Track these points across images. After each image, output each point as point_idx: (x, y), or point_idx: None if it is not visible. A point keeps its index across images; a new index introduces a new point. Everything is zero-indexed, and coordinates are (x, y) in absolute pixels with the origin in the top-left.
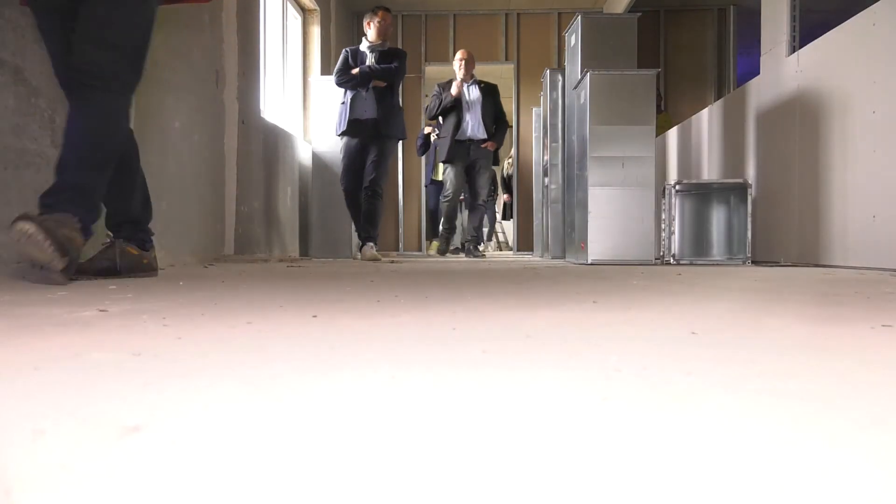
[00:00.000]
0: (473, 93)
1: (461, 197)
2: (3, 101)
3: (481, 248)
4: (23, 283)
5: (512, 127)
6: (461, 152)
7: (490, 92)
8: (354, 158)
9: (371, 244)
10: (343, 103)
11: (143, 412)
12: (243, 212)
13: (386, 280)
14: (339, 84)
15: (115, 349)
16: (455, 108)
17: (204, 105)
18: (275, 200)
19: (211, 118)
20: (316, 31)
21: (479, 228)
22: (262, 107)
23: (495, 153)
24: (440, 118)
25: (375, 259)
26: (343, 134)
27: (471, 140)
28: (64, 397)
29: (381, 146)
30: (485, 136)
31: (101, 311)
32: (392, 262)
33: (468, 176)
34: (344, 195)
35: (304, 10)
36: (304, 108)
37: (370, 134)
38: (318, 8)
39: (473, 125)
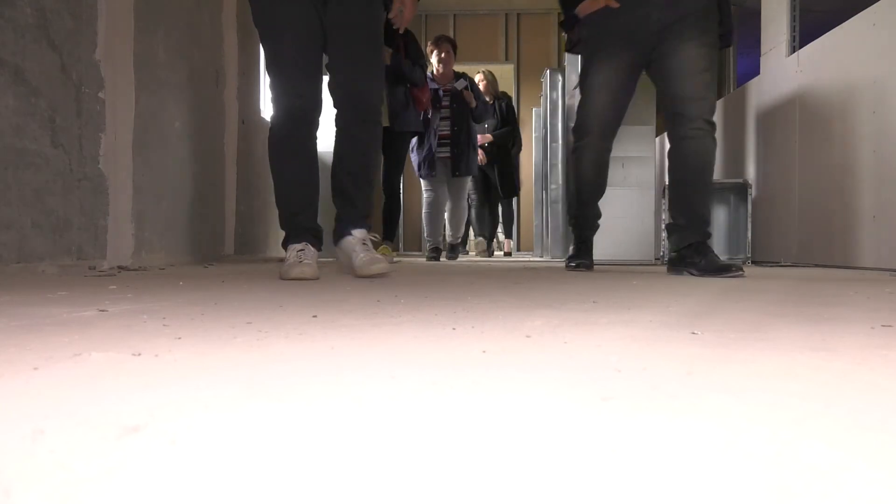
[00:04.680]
0: None
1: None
2: (3, 101)
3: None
4: (23, 283)
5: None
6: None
7: None
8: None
9: (363, 231)
10: None
11: (142, 412)
12: (243, 212)
13: (386, 280)
14: None
15: (115, 349)
16: None
17: (204, 105)
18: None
19: (211, 118)
20: None
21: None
22: (262, 107)
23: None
24: None
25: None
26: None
27: None
28: (64, 397)
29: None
30: None
31: (101, 311)
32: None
33: (657, 76)
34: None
35: None
36: None
37: None
38: None
39: None
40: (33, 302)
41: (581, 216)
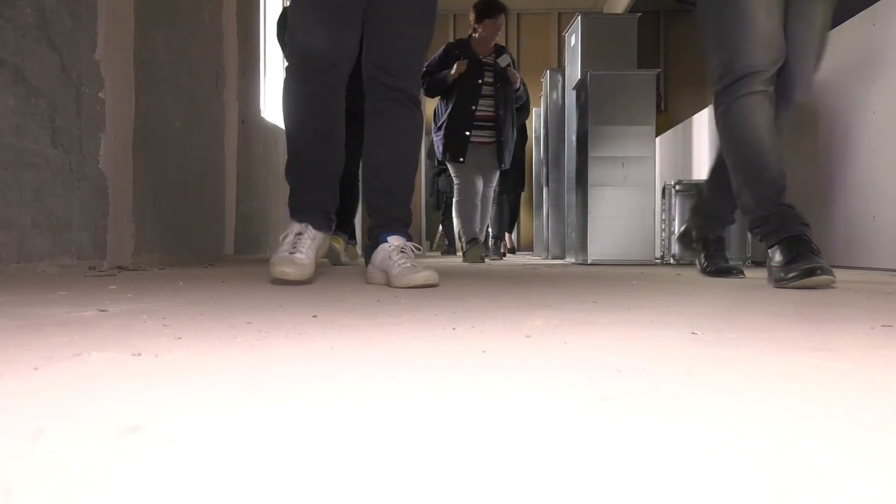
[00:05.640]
0: None
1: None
2: (3, 101)
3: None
4: (23, 283)
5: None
6: None
7: None
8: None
9: (401, 238)
10: None
11: (142, 412)
12: (243, 212)
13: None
14: None
15: (115, 349)
16: None
17: (204, 105)
18: (275, 200)
19: (211, 118)
20: None
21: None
22: (262, 107)
23: None
24: None
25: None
26: None
27: None
28: (63, 397)
29: None
30: None
31: (101, 311)
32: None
33: None
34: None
35: None
36: None
37: None
38: None
39: None
40: (33, 302)
41: (762, 200)
